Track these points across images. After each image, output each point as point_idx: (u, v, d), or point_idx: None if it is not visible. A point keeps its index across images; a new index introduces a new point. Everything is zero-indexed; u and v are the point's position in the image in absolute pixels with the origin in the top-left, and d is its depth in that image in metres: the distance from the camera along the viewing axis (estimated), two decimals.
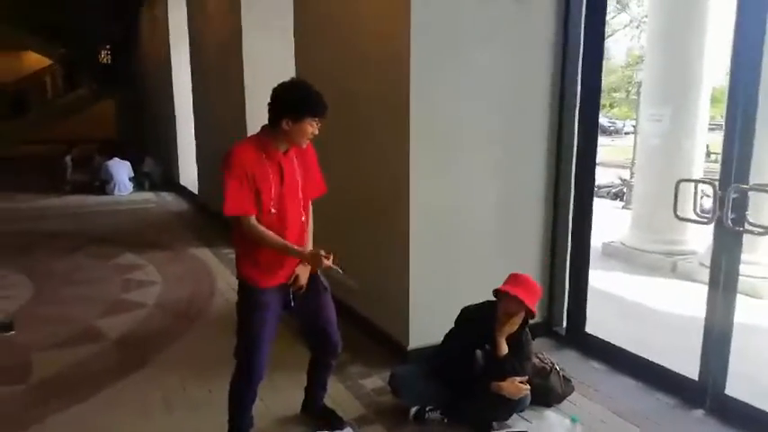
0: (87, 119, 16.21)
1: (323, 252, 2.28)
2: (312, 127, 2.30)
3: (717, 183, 2.75)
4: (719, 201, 2.73)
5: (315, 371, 2.75)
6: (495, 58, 3.34)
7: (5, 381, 3.17)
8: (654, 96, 5.85)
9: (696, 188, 2.97)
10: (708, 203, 2.97)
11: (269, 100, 2.31)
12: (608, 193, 12.17)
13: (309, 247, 2.51)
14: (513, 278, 2.74)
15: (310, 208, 2.54)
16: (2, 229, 7.32)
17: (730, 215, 2.71)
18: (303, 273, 2.46)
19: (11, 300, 4.56)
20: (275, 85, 2.32)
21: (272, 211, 2.32)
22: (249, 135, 2.42)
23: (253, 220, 2.30)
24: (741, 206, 2.70)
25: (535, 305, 2.68)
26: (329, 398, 2.88)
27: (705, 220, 2.86)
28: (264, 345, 2.40)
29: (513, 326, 2.69)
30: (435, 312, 3.24)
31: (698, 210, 2.96)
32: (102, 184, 10.02)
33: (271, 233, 2.31)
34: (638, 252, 5.87)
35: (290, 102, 2.27)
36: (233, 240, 2.47)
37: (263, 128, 2.36)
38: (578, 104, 3.54)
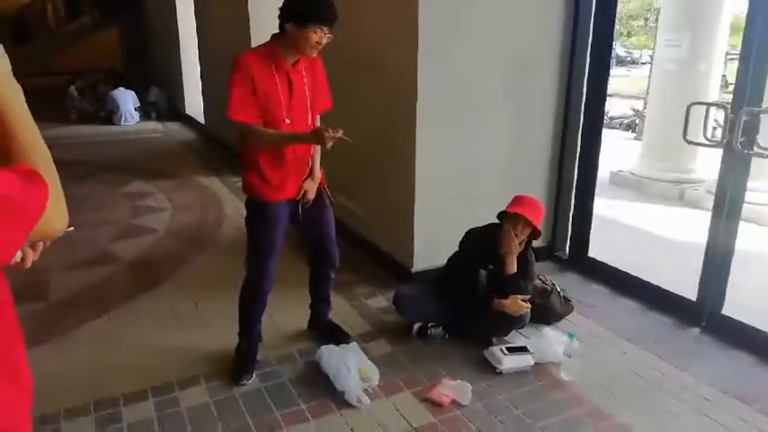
0: (91, 48, 15.88)
1: (328, 129, 2.19)
2: (317, 35, 2.21)
3: (729, 106, 2.70)
4: (730, 124, 2.69)
5: (315, 284, 2.83)
6: None
7: (27, 299, 3.29)
8: (672, 21, 5.65)
9: (708, 112, 2.91)
10: (719, 133, 2.94)
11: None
12: (620, 125, 11.96)
13: (317, 167, 2.53)
14: (518, 200, 2.77)
15: (318, 123, 2.53)
16: None
17: (740, 138, 2.68)
18: (311, 187, 2.50)
19: None
20: None
21: (287, 121, 2.32)
22: (260, 44, 2.36)
23: (257, 126, 2.28)
24: (752, 129, 2.67)
25: (540, 223, 2.72)
26: (336, 316, 2.98)
27: (714, 144, 2.82)
28: (273, 255, 2.49)
29: (518, 246, 2.74)
30: (439, 236, 3.30)
31: (708, 134, 2.91)
32: (108, 114, 9.97)
33: (272, 130, 2.29)
34: (647, 180, 5.85)
35: (296, 6, 2.22)
36: (240, 154, 2.47)
37: (273, 36, 2.32)
38: (591, 29, 3.43)
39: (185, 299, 3.32)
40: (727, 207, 2.86)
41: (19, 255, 0.88)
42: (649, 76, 13.79)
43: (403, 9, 3.15)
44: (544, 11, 3.40)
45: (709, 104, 2.95)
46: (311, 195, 2.51)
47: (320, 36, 2.22)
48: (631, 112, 12.24)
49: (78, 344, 2.87)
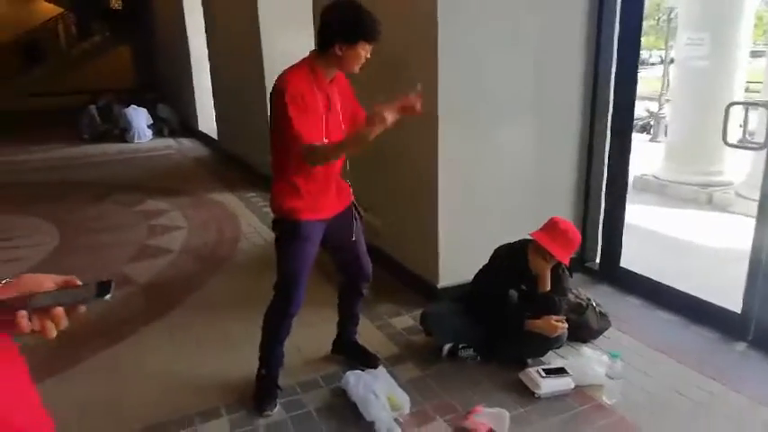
0: (104, 67, 16.03)
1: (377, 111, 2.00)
2: (365, 51, 2.15)
3: None
4: None
5: (346, 301, 2.69)
6: None
7: None
8: (693, 19, 5.50)
9: (747, 112, 2.76)
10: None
11: (319, 24, 2.17)
12: (635, 127, 11.75)
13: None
14: (552, 226, 2.58)
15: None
16: (28, 179, 7.36)
17: None
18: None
19: (41, 247, 4.59)
20: (324, 7, 2.16)
21: (324, 140, 2.20)
22: (298, 61, 2.25)
23: (320, 143, 2.16)
24: None
25: (568, 258, 2.56)
26: (359, 336, 2.83)
27: (756, 146, 2.66)
28: (304, 278, 2.37)
29: (546, 267, 2.59)
30: (465, 250, 3.16)
31: (747, 135, 2.76)
32: (121, 132, 9.97)
33: (324, 143, 2.17)
34: (673, 184, 5.67)
35: (344, 25, 2.11)
36: (274, 171, 2.33)
37: (312, 53, 2.22)
38: (617, 32, 3.29)
39: (203, 322, 3.20)
40: None
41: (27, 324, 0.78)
42: (663, 77, 13.68)
43: (422, 21, 3.03)
44: (569, 16, 3.26)
45: (749, 104, 2.79)
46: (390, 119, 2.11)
47: (367, 52, 2.17)
48: (646, 114, 12.03)
49: (92, 375, 2.76)
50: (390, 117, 2.00)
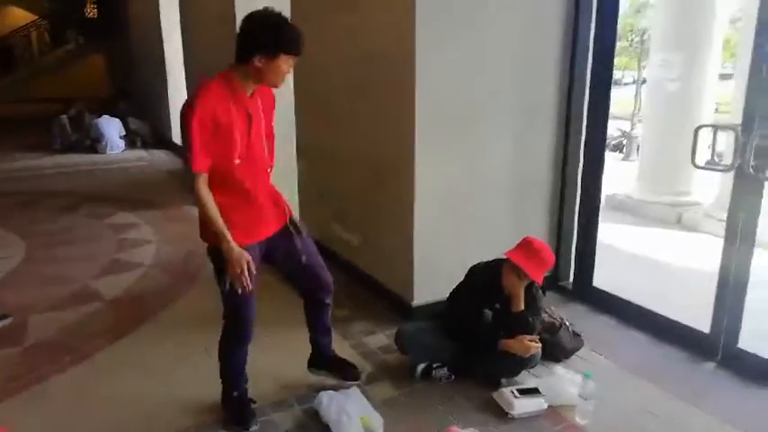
0: (77, 75, 15.79)
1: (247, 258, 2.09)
2: (287, 65, 2.05)
3: (739, 128, 2.60)
4: (741, 147, 2.60)
5: (311, 315, 2.57)
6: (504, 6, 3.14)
7: (1, 344, 3.08)
8: (665, 41, 5.65)
9: (715, 135, 2.82)
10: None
11: (237, 32, 2.04)
12: (608, 146, 11.98)
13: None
14: (526, 246, 2.60)
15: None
16: None
17: (752, 162, 2.58)
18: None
19: (6, 261, 4.45)
20: (245, 17, 2.05)
21: (236, 161, 2.08)
22: (216, 74, 2.11)
23: (204, 179, 2.06)
24: (765, 153, 2.56)
25: (541, 277, 2.58)
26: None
27: (725, 168, 2.72)
28: (251, 304, 2.27)
29: (519, 286, 2.60)
30: (440, 268, 3.16)
31: (715, 157, 2.82)
32: (93, 143, 9.79)
33: (213, 205, 2.06)
34: (644, 204, 5.78)
35: (264, 36, 2.01)
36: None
37: (231, 66, 2.09)
38: (591, 56, 3.36)
39: (173, 340, 3.12)
40: (740, 234, 2.74)
41: None
42: (635, 98, 14.02)
43: (398, 30, 3.04)
44: (543, 35, 3.31)
45: (717, 127, 2.85)
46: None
47: (290, 66, 2.07)
48: (618, 133, 12.28)
49: (56, 395, 2.66)
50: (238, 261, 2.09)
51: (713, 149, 2.84)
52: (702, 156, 3.03)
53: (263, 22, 2.03)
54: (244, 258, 2.08)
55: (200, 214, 2.13)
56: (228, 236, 2.08)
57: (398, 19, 3.03)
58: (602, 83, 3.38)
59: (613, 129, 12.50)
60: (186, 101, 2.06)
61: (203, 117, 1.98)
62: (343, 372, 2.65)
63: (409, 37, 2.93)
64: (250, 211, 2.20)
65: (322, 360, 2.68)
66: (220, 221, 2.08)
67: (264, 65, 2.02)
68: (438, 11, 2.94)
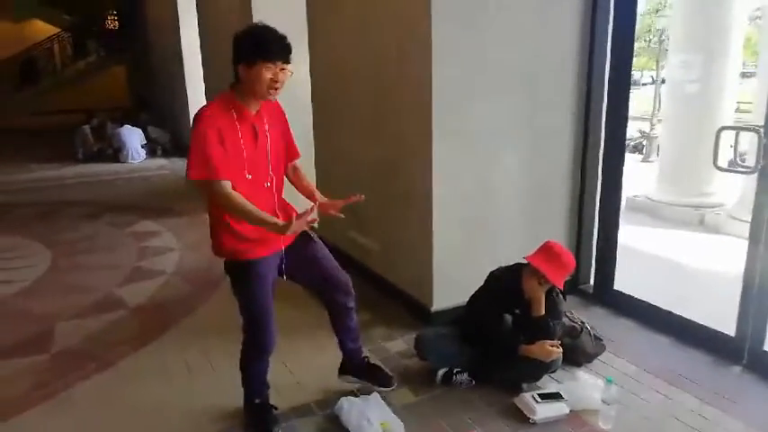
0: (98, 86, 16.06)
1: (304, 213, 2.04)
2: (270, 71, 2.01)
3: (762, 130, 2.56)
4: (764, 149, 2.56)
5: (337, 320, 2.54)
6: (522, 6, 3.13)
7: (28, 351, 3.15)
8: (683, 42, 5.59)
9: (737, 136, 2.79)
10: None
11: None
12: (627, 147, 11.85)
13: (318, 197, 2.37)
14: (546, 249, 2.60)
15: (301, 169, 2.43)
16: (20, 199, 7.32)
17: None
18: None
19: (32, 269, 4.55)
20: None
21: (248, 176, 2.09)
22: (217, 95, 2.15)
23: (227, 186, 2.04)
24: None
25: (562, 282, 2.57)
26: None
27: (748, 170, 2.68)
28: (270, 315, 2.28)
29: (540, 291, 2.59)
30: (459, 273, 3.16)
31: (738, 159, 2.78)
32: (115, 152, 9.96)
33: (250, 203, 2.05)
34: (665, 206, 5.71)
35: (242, 47, 2.03)
36: (209, 212, 2.22)
37: (231, 85, 2.12)
38: (609, 55, 3.33)
39: (196, 347, 3.16)
40: (765, 236, 2.70)
41: None
42: (654, 98, 13.85)
43: (415, 33, 3.05)
44: (560, 34, 3.30)
45: (739, 128, 2.81)
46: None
47: (274, 72, 2.03)
48: (638, 134, 12.15)
49: (82, 402, 2.71)
50: (299, 228, 2.04)
51: (735, 151, 2.80)
52: (725, 156, 2.99)
53: (245, 33, 2.06)
54: (296, 224, 2.02)
55: (236, 216, 2.11)
56: (273, 218, 2.08)
57: (414, 31, 3.04)
58: (621, 84, 3.35)
59: (633, 129, 12.38)
60: (192, 125, 2.08)
61: (207, 129, 2.01)
62: (376, 377, 2.64)
63: (426, 49, 2.94)
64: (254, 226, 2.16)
65: (353, 366, 2.66)
66: (259, 213, 2.05)
67: (247, 74, 2.03)
68: (453, 21, 2.95)
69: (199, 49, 8.51)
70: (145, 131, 10.49)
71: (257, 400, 2.44)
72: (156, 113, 12.07)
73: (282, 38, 2.06)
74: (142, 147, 10.12)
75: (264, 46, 2.02)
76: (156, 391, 2.77)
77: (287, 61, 2.06)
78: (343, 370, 2.68)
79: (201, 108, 2.07)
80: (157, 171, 9.20)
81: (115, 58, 16.04)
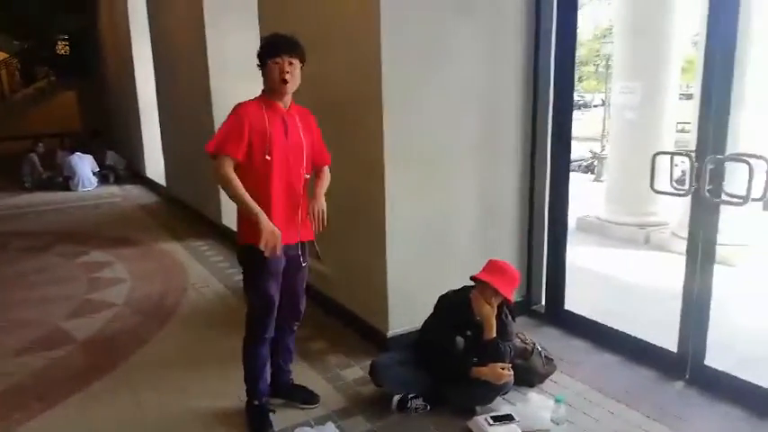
0: (49, 112, 15.63)
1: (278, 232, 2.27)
2: (278, 65, 2.30)
3: (693, 154, 2.71)
4: (696, 172, 2.70)
5: (278, 337, 2.66)
6: (469, 33, 3.24)
7: None
8: (625, 69, 5.85)
9: (672, 160, 2.93)
10: (677, 174, 2.98)
11: None
12: (579, 167, 12.25)
13: (321, 202, 2.51)
14: (491, 265, 2.71)
15: (326, 173, 2.65)
16: None
17: (707, 186, 2.68)
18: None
19: None
20: None
21: (267, 157, 2.30)
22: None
23: (226, 164, 2.26)
24: (718, 177, 2.67)
25: (512, 294, 2.65)
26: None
27: (682, 192, 2.82)
28: (276, 304, 2.47)
29: (492, 310, 2.65)
30: (414, 298, 3.19)
31: (673, 182, 2.93)
32: (65, 180, 9.70)
33: (238, 184, 2.25)
34: (612, 225, 5.90)
35: (259, 54, 2.36)
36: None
37: (262, 90, 2.43)
38: (552, 80, 3.48)
39: (147, 383, 3.08)
40: (700, 255, 2.84)
41: None
42: (604, 120, 14.38)
43: (366, 65, 3.12)
44: (505, 67, 3.42)
45: (673, 153, 2.97)
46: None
47: (281, 65, 2.30)
48: (589, 155, 12.57)
49: None
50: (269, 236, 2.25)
51: (671, 174, 2.94)
52: (662, 180, 3.14)
53: (260, 44, 2.40)
54: (275, 236, 2.25)
55: (225, 189, 2.29)
56: (259, 210, 2.25)
57: (366, 63, 3.11)
58: (564, 110, 3.49)
59: (585, 150, 12.81)
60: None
61: (242, 115, 2.29)
62: (300, 396, 2.75)
63: (376, 80, 3.02)
64: (279, 218, 2.35)
65: (278, 386, 2.76)
66: (248, 197, 2.25)
67: (264, 74, 2.35)
68: (402, 55, 3.03)
69: (153, 74, 8.44)
70: (103, 156, 10.28)
71: (255, 402, 2.55)
72: (107, 141, 11.82)
73: (286, 36, 2.36)
74: (94, 174, 9.89)
75: (269, 46, 2.34)
76: (106, 428, 2.68)
77: (292, 54, 2.33)
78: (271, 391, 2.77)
79: (240, 103, 2.37)
80: (109, 199, 9.00)
81: (66, 84, 15.70)
